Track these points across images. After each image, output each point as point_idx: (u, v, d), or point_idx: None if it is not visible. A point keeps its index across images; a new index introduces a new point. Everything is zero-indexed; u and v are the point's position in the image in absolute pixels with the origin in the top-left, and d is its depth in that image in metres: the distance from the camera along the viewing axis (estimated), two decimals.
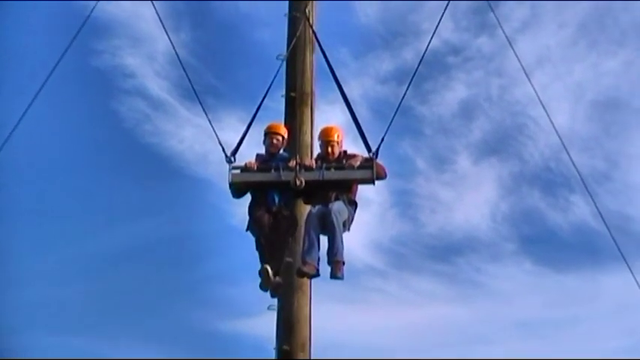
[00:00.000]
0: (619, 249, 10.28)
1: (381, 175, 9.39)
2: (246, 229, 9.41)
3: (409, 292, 22.30)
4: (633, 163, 24.59)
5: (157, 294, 19.82)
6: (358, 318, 19.86)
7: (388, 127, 9.47)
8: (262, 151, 9.80)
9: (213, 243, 18.82)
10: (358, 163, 9.37)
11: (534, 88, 10.72)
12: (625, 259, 10.26)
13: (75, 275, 19.94)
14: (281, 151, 9.80)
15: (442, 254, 22.81)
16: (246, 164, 9.47)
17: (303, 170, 9.31)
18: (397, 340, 20.21)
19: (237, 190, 9.47)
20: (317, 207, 9.33)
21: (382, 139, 9.39)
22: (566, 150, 10.60)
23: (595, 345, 20.27)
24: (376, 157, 9.37)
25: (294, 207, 9.67)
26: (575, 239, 22.93)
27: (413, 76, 9.95)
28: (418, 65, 10.00)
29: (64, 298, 19.23)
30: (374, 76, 24.13)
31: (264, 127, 9.85)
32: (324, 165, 9.40)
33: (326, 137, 9.70)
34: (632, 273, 10.22)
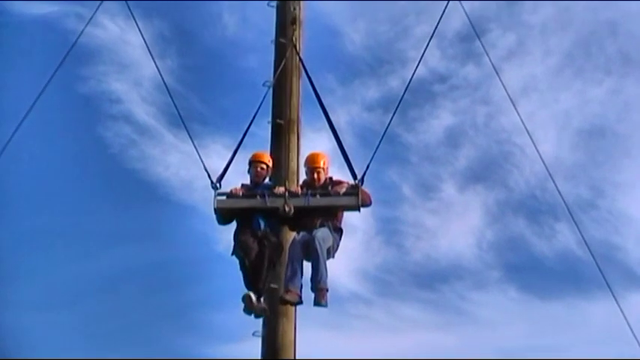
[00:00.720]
0: (604, 277, 10.32)
1: (366, 202, 9.40)
2: (232, 254, 9.41)
3: (394, 319, 22.25)
4: (619, 191, 24.72)
5: (142, 319, 19.74)
6: (343, 344, 19.80)
7: (374, 154, 9.53)
8: (247, 180, 9.82)
9: (199, 269, 18.80)
10: (344, 189, 9.38)
11: (520, 117, 10.79)
12: (610, 288, 10.31)
13: (59, 301, 19.85)
14: (266, 180, 9.83)
15: (427, 281, 22.83)
16: (231, 191, 9.48)
17: (288, 196, 9.33)
18: None
19: (223, 216, 9.48)
20: (301, 234, 9.35)
21: (367, 166, 9.42)
22: (551, 178, 10.66)
23: None
24: (362, 183, 9.40)
25: (279, 233, 9.68)
26: (561, 267, 22.95)
27: (399, 104, 10.01)
28: (404, 93, 10.08)
29: (48, 324, 19.12)
30: (360, 103, 24.20)
31: (249, 156, 9.88)
32: (310, 192, 9.41)
33: (312, 164, 9.72)
34: (616, 301, 10.26)
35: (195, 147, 9.67)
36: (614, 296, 10.26)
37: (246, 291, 9.14)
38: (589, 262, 10.53)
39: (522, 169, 23.53)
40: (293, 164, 10.53)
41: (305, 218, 9.39)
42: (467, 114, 25.03)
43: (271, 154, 10.18)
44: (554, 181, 10.64)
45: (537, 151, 10.71)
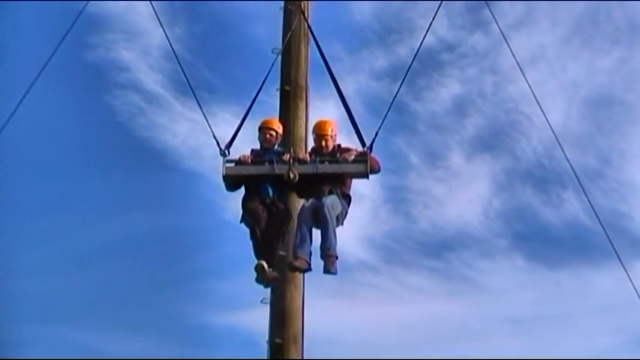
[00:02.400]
0: (612, 245, 10.30)
1: (375, 169, 9.39)
2: (240, 221, 9.41)
3: (401, 288, 22.33)
4: (626, 160, 24.73)
5: (150, 287, 19.86)
6: (350, 313, 19.89)
7: (382, 121, 9.49)
8: (257, 146, 9.81)
9: (207, 237, 18.84)
10: (352, 157, 9.36)
11: (529, 84, 10.73)
12: (618, 256, 10.29)
13: (67, 268, 19.98)
14: (276, 146, 9.80)
15: (434, 250, 22.87)
16: (240, 157, 9.48)
17: (296, 163, 9.33)
18: (389, 336, 20.23)
19: (231, 183, 9.47)
20: (310, 201, 9.33)
21: (376, 134, 9.39)
22: (560, 147, 10.61)
23: (587, 342, 20.40)
24: (370, 151, 9.37)
25: (287, 200, 9.69)
26: (568, 236, 23.00)
27: (406, 73, 9.97)
28: (412, 62, 10.03)
29: (56, 290, 19.26)
30: (368, 72, 24.12)
31: (259, 123, 9.86)
32: (318, 158, 9.40)
33: (320, 131, 9.69)
34: (625, 270, 10.25)
35: (203, 114, 9.64)
36: (622, 264, 10.24)
37: (256, 260, 9.12)
38: (596, 230, 10.53)
39: (530, 137, 23.53)
40: (301, 131, 10.53)
41: (313, 185, 9.37)
42: (475, 83, 24.98)
43: (280, 121, 10.16)
44: (562, 149, 10.60)
45: (546, 119, 10.67)
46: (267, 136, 9.75)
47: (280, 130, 9.86)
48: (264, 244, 9.20)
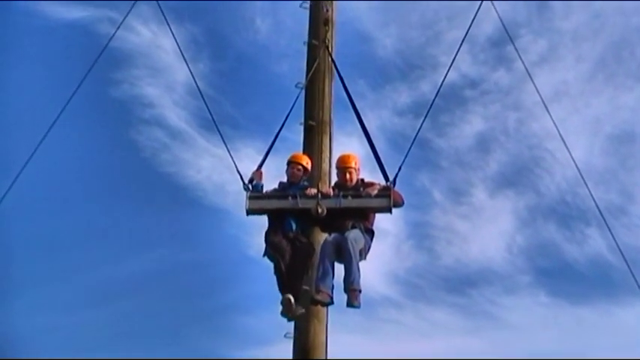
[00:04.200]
0: (637, 281, 10.24)
1: (398, 203, 9.41)
2: (264, 255, 9.43)
3: (424, 323, 22.24)
4: None
5: (174, 323, 19.82)
6: (373, 348, 19.77)
7: (406, 155, 9.53)
8: (283, 180, 9.89)
9: (230, 272, 18.87)
10: (375, 191, 9.38)
11: (553, 120, 10.73)
12: None
13: (92, 303, 19.98)
14: (302, 181, 9.84)
15: (458, 286, 22.77)
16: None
17: (320, 198, 9.36)
18: None
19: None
20: (333, 235, 9.35)
21: (400, 168, 9.44)
22: (585, 183, 10.59)
23: None
24: (394, 185, 9.41)
25: (310, 234, 9.71)
26: (591, 272, 22.88)
27: (429, 109, 10.01)
28: (434, 98, 10.08)
29: (82, 325, 19.28)
30: (391, 108, 24.26)
31: (288, 157, 9.95)
32: (342, 193, 9.43)
33: (343, 164, 9.74)
34: None
35: (227, 150, 9.71)
36: None
37: (281, 294, 9.14)
38: (620, 267, 10.50)
39: (553, 174, 23.52)
40: (325, 165, 10.52)
41: (336, 219, 9.39)
42: (498, 119, 25.03)
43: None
44: (587, 185, 10.57)
45: (570, 155, 10.63)
46: (295, 170, 9.81)
47: (309, 166, 9.93)
48: (289, 278, 9.21)
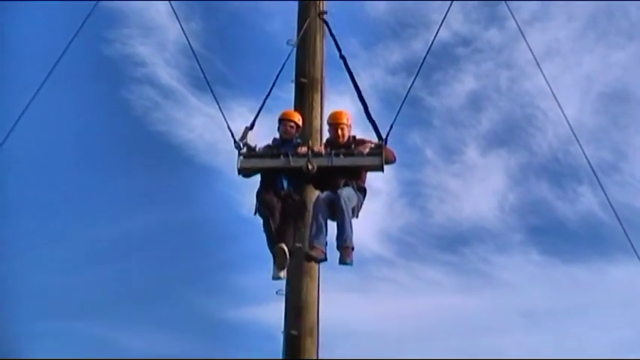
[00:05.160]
0: (629, 239, 10.28)
1: (390, 160, 9.41)
2: (255, 213, 9.46)
3: (417, 281, 22.38)
4: None
5: (167, 281, 19.93)
6: (366, 306, 19.93)
7: (397, 113, 9.49)
8: (274, 139, 9.89)
9: (223, 231, 18.92)
10: (367, 149, 9.38)
11: (546, 79, 10.73)
12: (635, 250, 10.26)
13: (86, 262, 20.06)
14: (295, 138, 9.85)
15: (450, 244, 22.93)
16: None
17: (312, 156, 9.36)
18: (404, 329, 20.29)
19: (246, 175, 9.53)
20: (325, 193, 9.37)
21: (391, 126, 9.41)
22: (577, 141, 10.60)
23: (601, 335, 20.39)
24: (385, 143, 9.40)
25: (303, 192, 9.73)
26: (583, 230, 23.06)
27: (420, 67, 9.94)
28: (425, 56, 10.00)
29: (73, 286, 19.37)
30: (383, 66, 24.21)
31: (279, 114, 9.94)
32: (334, 151, 9.43)
33: (335, 120, 9.73)
34: None
35: (220, 109, 9.65)
36: (638, 257, 10.19)
37: (273, 248, 9.22)
38: (611, 224, 10.60)
39: (545, 132, 23.64)
40: (316, 122, 10.52)
41: (329, 178, 9.40)
42: (490, 78, 25.01)
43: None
44: (579, 143, 10.58)
45: (563, 113, 10.64)
46: (288, 127, 9.82)
47: (300, 123, 9.93)
48: (278, 235, 9.24)
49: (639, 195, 23.19)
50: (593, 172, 10.58)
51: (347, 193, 9.25)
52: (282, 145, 9.72)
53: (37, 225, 19.16)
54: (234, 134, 9.55)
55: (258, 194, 9.49)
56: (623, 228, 10.36)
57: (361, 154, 9.38)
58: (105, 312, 18.77)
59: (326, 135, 10.06)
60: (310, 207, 9.48)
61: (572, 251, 22.62)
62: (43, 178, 20.69)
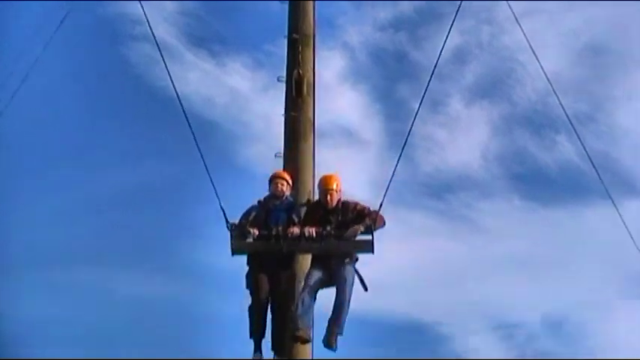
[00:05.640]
0: (604, 185, 11.16)
1: (380, 226, 9.72)
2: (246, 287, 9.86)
3: (405, 227, 22.93)
4: (617, 105, 25.42)
5: (161, 234, 20.31)
6: None
7: (385, 192, 9.81)
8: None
9: (218, 183, 19.24)
10: (359, 232, 9.59)
11: (524, 33, 11.29)
12: (610, 195, 11.18)
13: (83, 214, 20.46)
14: (286, 195, 10.14)
15: (436, 192, 23.52)
16: (246, 226, 9.79)
17: (304, 239, 9.56)
18: (392, 275, 20.90)
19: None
20: (319, 271, 9.64)
21: (381, 205, 9.69)
22: (554, 91, 11.26)
23: (580, 276, 21.21)
24: (377, 214, 9.69)
25: (294, 261, 10.05)
26: (562, 177, 23.63)
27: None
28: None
29: (73, 236, 19.78)
30: (372, 23, 24.45)
31: (271, 174, 10.23)
32: (325, 231, 9.58)
33: (325, 186, 9.93)
34: (615, 207, 11.18)
35: (211, 181, 9.85)
36: (613, 202, 11.15)
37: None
38: (589, 171, 11.32)
39: (525, 85, 23.96)
40: (309, 75, 11.13)
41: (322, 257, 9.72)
42: (472, 33, 25.18)
43: (288, 70, 10.99)
44: (557, 96, 11.22)
45: (540, 66, 11.22)
46: (279, 185, 10.07)
47: (290, 181, 10.19)
48: (259, 321, 9.69)
49: (614, 143, 23.76)
50: (570, 122, 11.27)
51: (349, 278, 9.58)
52: (271, 201, 10.02)
53: (35, 179, 19.52)
54: (220, 198, 9.70)
55: (248, 275, 9.82)
56: (598, 173, 11.18)
57: (354, 235, 9.57)
58: (99, 261, 19.26)
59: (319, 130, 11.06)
60: (300, 276, 9.87)
61: (552, 197, 23.28)
62: (43, 134, 20.91)
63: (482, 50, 25.28)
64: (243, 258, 9.90)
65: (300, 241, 9.60)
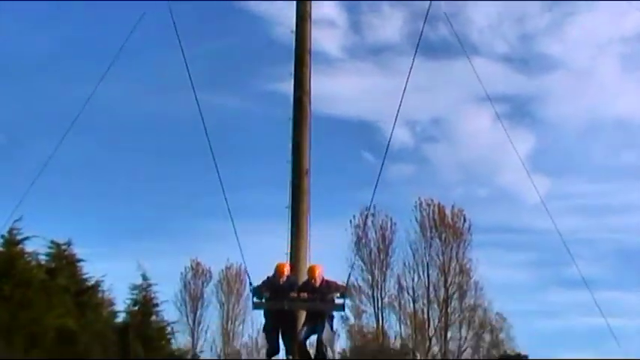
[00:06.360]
0: None
1: (347, 295, 15.31)
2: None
3: None
4: None
5: None
6: None
7: (348, 278, 15.31)
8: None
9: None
10: (336, 298, 14.97)
11: None
12: None
13: None
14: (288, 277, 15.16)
15: None
16: (260, 288, 15.03)
17: (299, 302, 14.94)
18: None
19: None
20: (306, 329, 14.92)
21: (347, 284, 15.32)
22: None
23: None
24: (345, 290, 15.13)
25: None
26: None
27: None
28: None
29: None
30: None
31: (275, 266, 15.17)
32: (314, 295, 14.84)
33: (311, 275, 15.12)
34: None
35: (237, 237, 15.31)
36: None
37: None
38: None
39: None
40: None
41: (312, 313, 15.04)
42: None
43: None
44: None
45: None
46: (281, 274, 15.07)
47: (289, 271, 15.30)
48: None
49: None
50: None
51: (327, 335, 14.94)
52: (279, 286, 15.01)
53: None
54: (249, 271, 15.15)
55: (265, 327, 15.31)
56: None
57: (332, 300, 14.97)
58: None
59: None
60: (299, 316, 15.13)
61: None
62: None
63: None
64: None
65: (297, 302, 14.94)
